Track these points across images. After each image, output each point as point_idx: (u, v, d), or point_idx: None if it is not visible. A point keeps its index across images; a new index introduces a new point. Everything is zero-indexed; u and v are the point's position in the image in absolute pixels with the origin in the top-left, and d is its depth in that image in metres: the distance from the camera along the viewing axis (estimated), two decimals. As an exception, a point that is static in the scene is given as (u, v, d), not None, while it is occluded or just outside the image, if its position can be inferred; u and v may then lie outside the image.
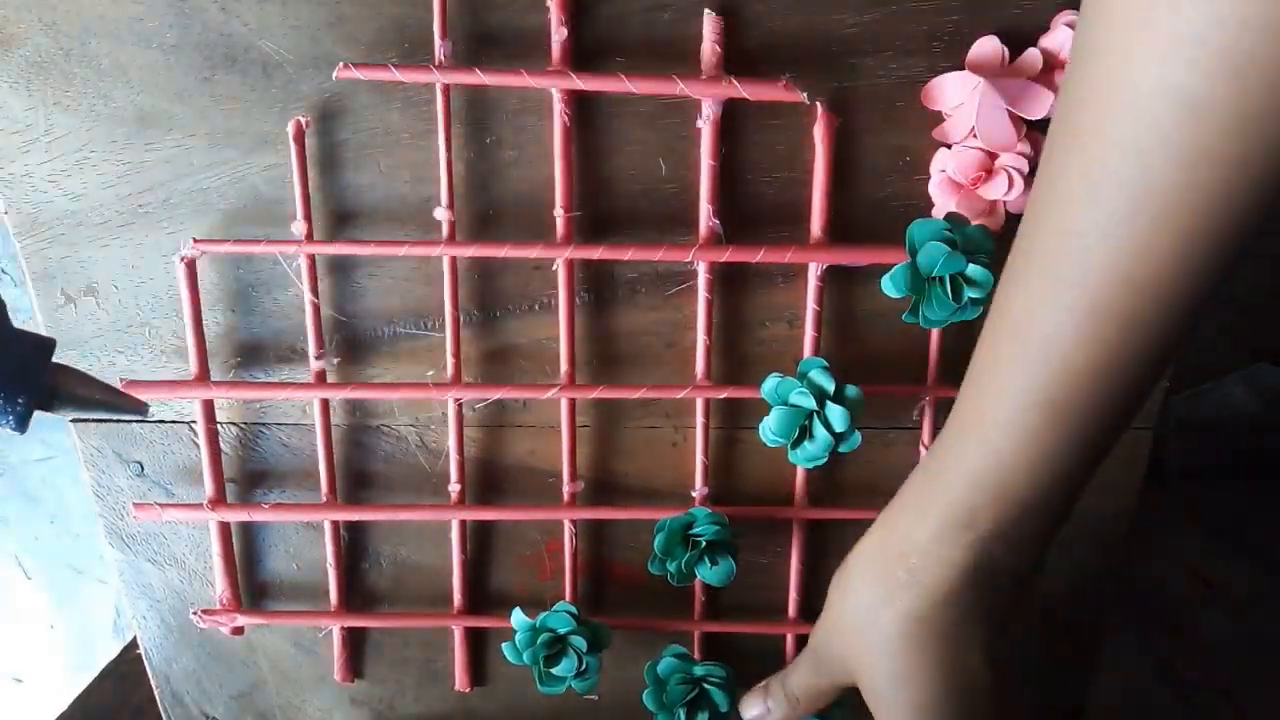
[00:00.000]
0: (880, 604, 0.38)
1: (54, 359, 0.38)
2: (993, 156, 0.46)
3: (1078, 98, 0.30)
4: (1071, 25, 0.44)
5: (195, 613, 0.55)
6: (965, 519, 0.36)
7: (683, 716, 0.51)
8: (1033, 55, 0.45)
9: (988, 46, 0.45)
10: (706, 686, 0.51)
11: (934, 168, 0.47)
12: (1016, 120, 0.44)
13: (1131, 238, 0.29)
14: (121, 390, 0.41)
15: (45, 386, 0.36)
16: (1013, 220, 0.47)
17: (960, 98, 0.45)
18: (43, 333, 0.52)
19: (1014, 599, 0.37)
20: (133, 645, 0.72)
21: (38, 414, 0.37)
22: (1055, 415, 0.33)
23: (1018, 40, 0.45)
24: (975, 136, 0.45)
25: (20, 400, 0.35)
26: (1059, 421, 0.33)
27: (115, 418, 0.42)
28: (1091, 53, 0.29)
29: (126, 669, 0.76)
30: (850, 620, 0.39)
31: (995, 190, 0.46)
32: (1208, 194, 0.27)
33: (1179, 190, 0.28)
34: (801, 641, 0.55)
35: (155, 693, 0.60)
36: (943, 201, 0.47)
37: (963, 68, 0.46)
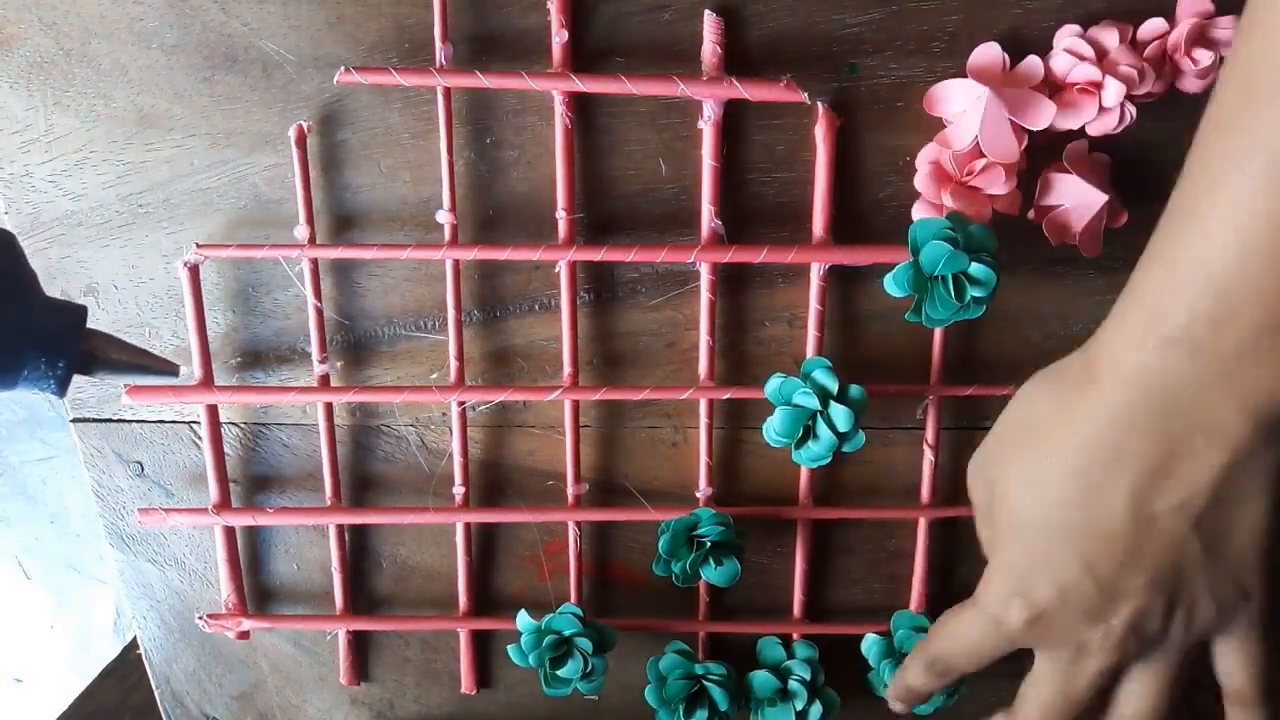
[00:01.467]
0: (1055, 406, 0.36)
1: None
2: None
3: None
4: (1070, 51, 0.44)
5: (201, 617, 0.55)
6: (1156, 311, 0.33)
7: (681, 713, 0.51)
8: (1033, 62, 0.45)
9: (988, 54, 0.45)
10: (707, 684, 0.51)
11: (921, 159, 0.47)
12: (1019, 130, 0.44)
13: None
14: (153, 353, 0.42)
15: (82, 351, 0.37)
16: (1002, 218, 0.47)
17: (963, 104, 0.45)
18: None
19: (1195, 452, 0.34)
20: (133, 645, 0.72)
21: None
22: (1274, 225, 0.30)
23: (1018, 42, 0.45)
24: (978, 145, 0.45)
25: (60, 364, 0.36)
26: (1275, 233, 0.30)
27: (149, 381, 0.44)
28: None
29: (126, 669, 0.76)
30: (1011, 429, 0.39)
31: (992, 183, 0.45)
32: None
33: None
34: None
35: (155, 693, 0.60)
36: (930, 193, 0.47)
37: (963, 69, 0.46)
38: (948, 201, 0.45)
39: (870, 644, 0.52)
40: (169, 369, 0.41)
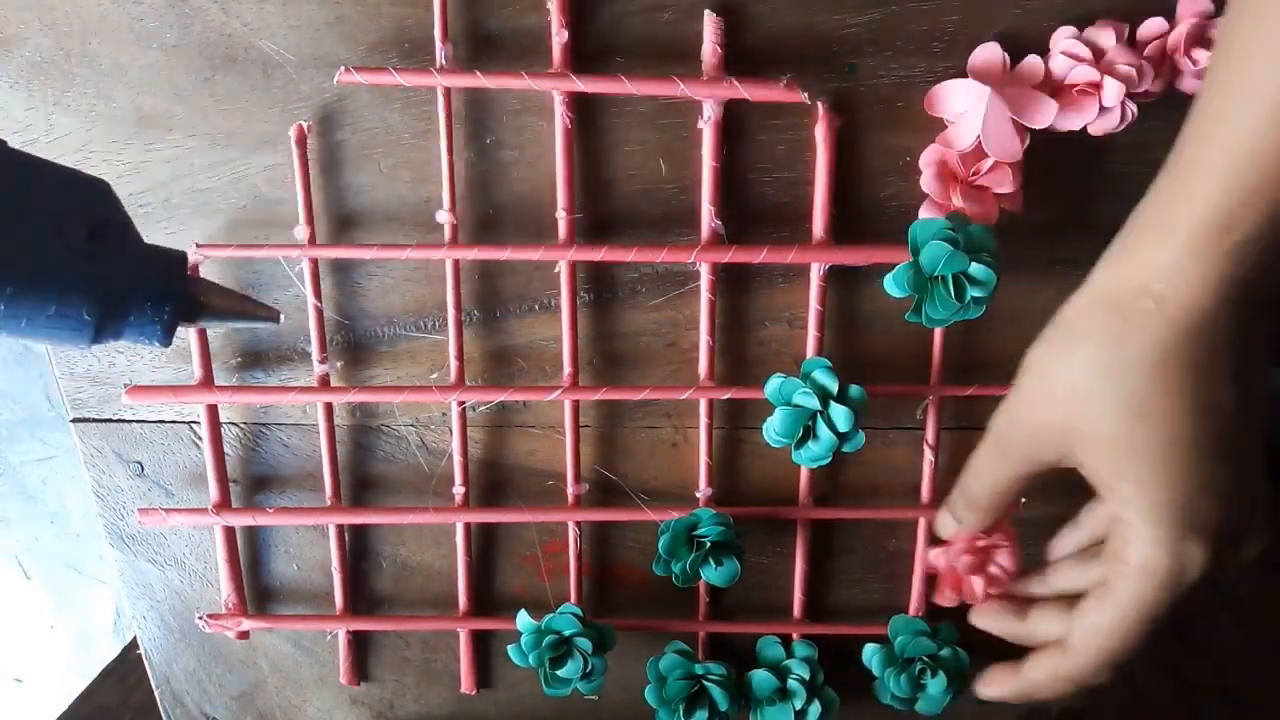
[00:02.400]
0: (1116, 346, 0.34)
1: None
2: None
3: None
4: (1067, 54, 0.44)
5: (201, 617, 0.54)
6: (1223, 222, 0.31)
7: (681, 713, 0.51)
8: (1033, 62, 0.45)
9: (988, 53, 0.45)
10: (707, 684, 0.51)
11: (924, 160, 0.47)
12: (1020, 129, 0.44)
13: None
14: (255, 300, 0.39)
15: (187, 296, 0.35)
16: (1003, 218, 0.47)
17: (964, 105, 0.45)
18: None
19: (1264, 321, 0.33)
20: (133, 645, 0.72)
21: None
22: None
23: (1018, 43, 0.45)
24: (980, 145, 0.45)
25: (166, 310, 0.34)
26: None
27: (251, 326, 0.40)
28: None
29: (126, 669, 0.76)
30: (1070, 378, 0.36)
31: (1000, 182, 0.45)
32: None
33: None
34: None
35: (155, 693, 0.60)
36: (937, 193, 0.46)
37: (963, 69, 0.46)
38: (958, 202, 0.45)
39: (871, 653, 0.52)
40: (271, 316, 0.39)
